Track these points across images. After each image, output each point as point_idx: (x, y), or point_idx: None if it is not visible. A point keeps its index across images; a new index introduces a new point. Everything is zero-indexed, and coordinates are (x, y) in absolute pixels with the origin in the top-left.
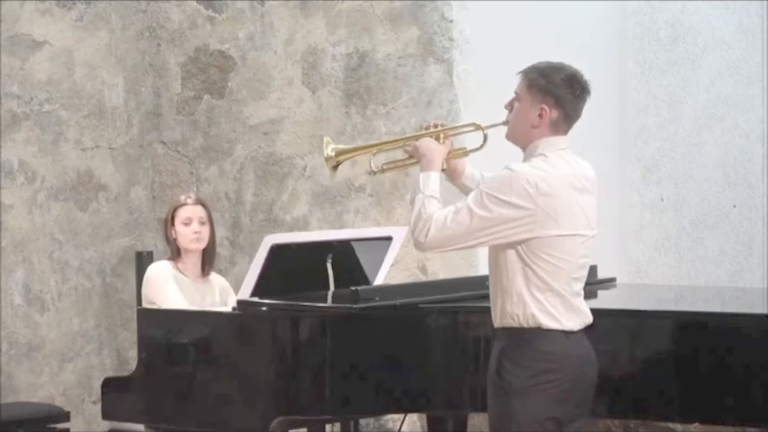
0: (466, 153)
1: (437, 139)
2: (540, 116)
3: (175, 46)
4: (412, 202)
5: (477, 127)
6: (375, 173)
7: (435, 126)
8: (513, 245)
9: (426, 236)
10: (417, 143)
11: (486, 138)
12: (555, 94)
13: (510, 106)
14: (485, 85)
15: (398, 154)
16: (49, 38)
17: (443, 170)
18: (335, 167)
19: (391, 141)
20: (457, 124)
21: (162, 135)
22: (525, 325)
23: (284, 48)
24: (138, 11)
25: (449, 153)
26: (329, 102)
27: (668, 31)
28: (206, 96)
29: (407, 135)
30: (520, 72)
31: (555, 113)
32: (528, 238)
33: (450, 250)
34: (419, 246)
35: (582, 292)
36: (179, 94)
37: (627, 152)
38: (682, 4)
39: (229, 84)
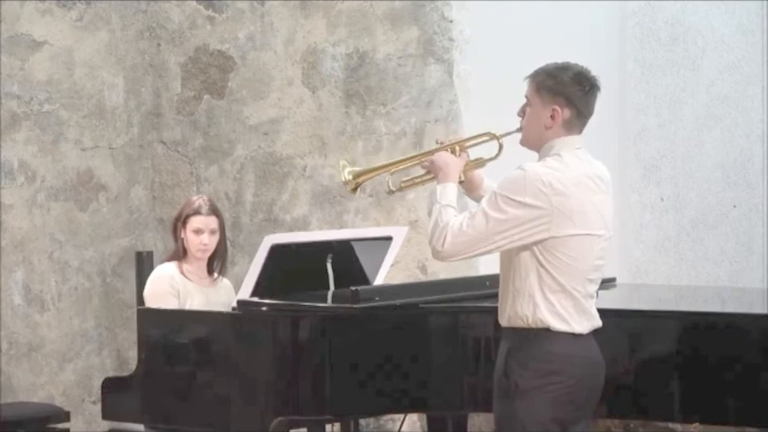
0: (483, 163)
1: (453, 152)
2: (553, 117)
3: (175, 46)
4: (429, 214)
5: (493, 136)
6: (394, 191)
7: (450, 140)
8: (528, 245)
9: (443, 244)
10: (433, 157)
11: (501, 146)
12: (565, 93)
13: (522, 112)
14: (485, 85)
15: (416, 170)
16: (49, 38)
17: (461, 182)
18: (355, 190)
19: (407, 159)
20: (471, 135)
21: (162, 135)
22: (534, 326)
23: (284, 48)
24: (138, 11)
25: (466, 165)
26: (329, 102)
27: (668, 31)
28: (206, 96)
29: (423, 151)
30: (527, 77)
31: (567, 113)
32: (543, 239)
33: (469, 257)
34: (437, 254)
35: (595, 296)
36: (179, 94)
37: (627, 152)
38: (682, 4)
39: (229, 84)
